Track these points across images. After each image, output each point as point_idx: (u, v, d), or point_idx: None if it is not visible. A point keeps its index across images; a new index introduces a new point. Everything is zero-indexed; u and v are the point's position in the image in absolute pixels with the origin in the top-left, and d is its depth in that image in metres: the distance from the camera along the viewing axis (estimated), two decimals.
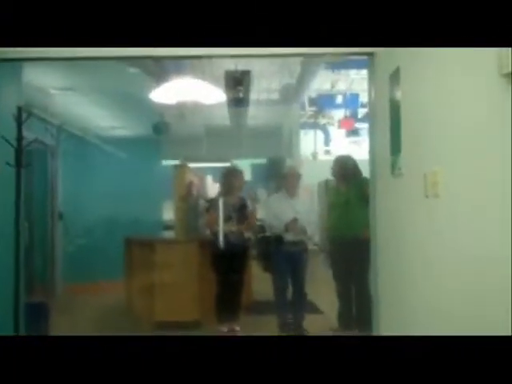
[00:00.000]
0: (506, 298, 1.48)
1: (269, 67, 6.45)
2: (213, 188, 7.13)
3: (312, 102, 9.09)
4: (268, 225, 4.96)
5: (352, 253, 4.40)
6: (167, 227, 7.50)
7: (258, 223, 5.25)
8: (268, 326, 4.80)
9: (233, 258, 4.90)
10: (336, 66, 7.09)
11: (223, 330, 4.85)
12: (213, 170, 8.03)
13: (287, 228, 4.74)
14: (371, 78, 3.18)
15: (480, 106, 1.69)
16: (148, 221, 7.88)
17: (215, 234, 4.90)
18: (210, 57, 3.76)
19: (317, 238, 5.23)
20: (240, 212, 4.99)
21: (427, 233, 2.20)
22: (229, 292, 4.90)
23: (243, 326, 4.92)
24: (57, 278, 6.91)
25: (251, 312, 5.54)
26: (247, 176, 5.69)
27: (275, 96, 7.90)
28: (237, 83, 5.06)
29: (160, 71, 5.39)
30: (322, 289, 5.50)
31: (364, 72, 3.56)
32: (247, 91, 5.18)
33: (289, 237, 4.77)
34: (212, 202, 5.14)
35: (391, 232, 2.82)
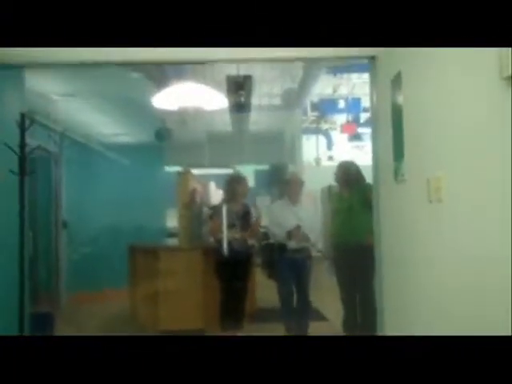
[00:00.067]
0: None
1: (270, 72, 6.46)
2: (216, 195, 7.12)
3: (314, 106, 9.08)
4: (271, 232, 4.94)
5: (356, 259, 4.38)
6: (171, 235, 7.49)
7: (262, 230, 5.23)
8: (272, 334, 4.77)
9: (236, 265, 4.88)
10: (338, 70, 7.09)
11: None
12: (215, 177, 8.04)
13: (290, 235, 4.73)
14: (373, 82, 3.18)
15: (482, 110, 1.69)
16: (152, 228, 7.90)
17: (219, 242, 4.89)
18: (211, 62, 3.76)
19: (320, 245, 5.20)
20: (244, 219, 4.98)
21: (431, 238, 2.19)
22: (233, 299, 4.88)
23: (247, 334, 4.90)
24: (61, 286, 6.90)
25: (255, 319, 5.51)
26: (250, 182, 5.67)
27: (277, 101, 7.90)
28: (238, 88, 5.05)
29: (161, 77, 5.40)
30: (326, 296, 5.46)
31: (366, 76, 3.54)
32: (249, 96, 5.16)
33: (292, 244, 4.75)
34: (215, 209, 5.13)
35: (395, 238, 2.81)
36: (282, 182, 5.29)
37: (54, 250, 6.81)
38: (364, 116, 8.81)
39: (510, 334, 1.48)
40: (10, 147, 3.13)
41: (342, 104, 8.71)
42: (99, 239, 7.51)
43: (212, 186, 7.95)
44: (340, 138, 9.91)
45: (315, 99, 8.76)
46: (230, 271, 4.85)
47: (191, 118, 6.48)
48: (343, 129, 9.41)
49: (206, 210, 6.07)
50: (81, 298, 6.60)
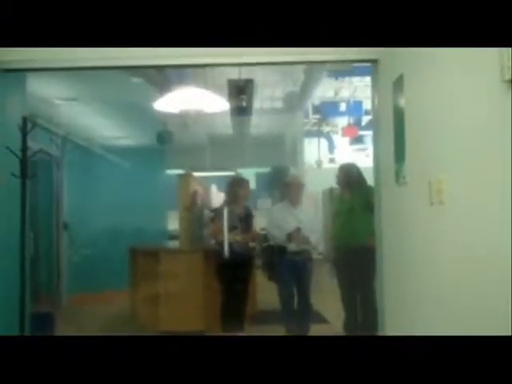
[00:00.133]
0: None
1: (272, 75, 6.46)
2: (217, 197, 7.13)
3: (315, 109, 9.07)
4: (271, 235, 4.94)
5: (357, 261, 4.38)
6: (172, 237, 7.51)
7: (263, 232, 5.24)
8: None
9: (237, 267, 4.88)
10: (339, 73, 7.08)
11: None
12: (217, 179, 8.05)
13: (290, 238, 4.73)
14: (375, 86, 3.18)
15: (483, 112, 1.70)
16: (153, 230, 7.91)
17: (220, 244, 4.89)
18: (212, 65, 3.77)
19: (321, 247, 5.20)
20: (245, 222, 4.99)
21: (433, 240, 2.19)
22: (233, 301, 4.88)
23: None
24: (62, 288, 6.92)
25: (256, 321, 5.51)
26: (251, 185, 5.68)
27: (278, 104, 7.91)
28: (240, 92, 5.05)
29: (163, 80, 5.41)
30: (327, 298, 5.46)
31: (367, 79, 3.56)
32: (250, 100, 5.16)
33: (292, 247, 4.76)
34: (217, 212, 5.14)
35: (397, 240, 2.81)
36: (283, 184, 5.29)
37: (55, 252, 6.84)
38: (365, 119, 8.81)
39: (510, 334, 1.48)
40: (11, 150, 3.14)
41: (343, 107, 8.72)
42: (100, 241, 7.51)
43: (213, 188, 7.96)
44: (341, 141, 9.92)
45: (317, 102, 8.76)
46: (231, 273, 4.85)
47: (193, 121, 6.47)
48: (344, 132, 9.41)
49: (207, 213, 6.09)
50: (81, 299, 6.61)
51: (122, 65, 3.24)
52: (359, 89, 7.85)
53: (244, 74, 5.15)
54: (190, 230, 6.04)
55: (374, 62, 3.07)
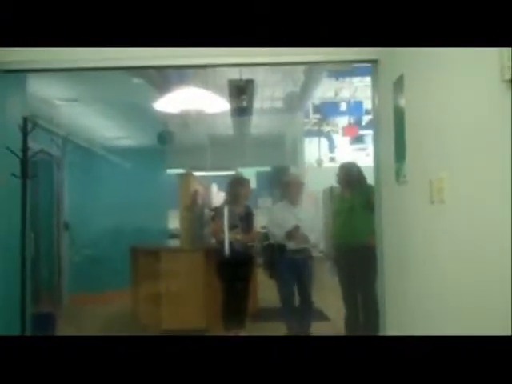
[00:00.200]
0: None
1: (272, 76, 6.47)
2: (218, 197, 7.14)
3: (316, 109, 9.08)
4: (271, 233, 4.96)
5: (358, 260, 4.39)
6: (173, 236, 7.52)
7: (263, 231, 5.25)
8: (274, 333, 4.78)
9: (238, 265, 4.89)
10: (339, 73, 7.09)
11: None
12: (217, 179, 8.06)
13: (289, 236, 4.74)
14: (375, 86, 3.18)
15: (483, 112, 1.70)
16: (154, 230, 7.91)
17: (221, 243, 4.90)
18: (213, 66, 3.77)
19: (322, 246, 5.21)
20: (245, 220, 5.00)
21: (433, 239, 2.20)
22: (235, 300, 4.90)
23: (249, 333, 4.91)
24: (63, 288, 6.93)
25: (257, 319, 5.54)
26: (252, 184, 5.69)
27: (279, 104, 7.91)
28: (240, 92, 5.06)
29: (163, 81, 5.42)
30: (328, 296, 5.47)
31: (368, 79, 3.56)
32: (251, 100, 5.17)
33: (291, 245, 4.77)
34: (218, 211, 5.15)
35: (397, 239, 2.81)
36: (283, 183, 5.30)
37: (56, 252, 6.85)
38: (366, 119, 8.81)
39: (510, 334, 1.48)
40: (12, 151, 3.15)
41: (343, 107, 8.73)
42: (101, 241, 7.52)
43: (214, 187, 7.97)
44: (342, 141, 9.93)
45: (317, 102, 8.76)
46: (232, 272, 4.86)
47: (193, 121, 6.48)
48: (345, 131, 9.42)
49: (207, 212, 6.09)
50: (82, 299, 6.62)
51: (123, 65, 3.25)
52: (359, 89, 7.85)
53: (244, 74, 5.16)
54: (190, 229, 6.05)
55: (374, 62, 3.08)
